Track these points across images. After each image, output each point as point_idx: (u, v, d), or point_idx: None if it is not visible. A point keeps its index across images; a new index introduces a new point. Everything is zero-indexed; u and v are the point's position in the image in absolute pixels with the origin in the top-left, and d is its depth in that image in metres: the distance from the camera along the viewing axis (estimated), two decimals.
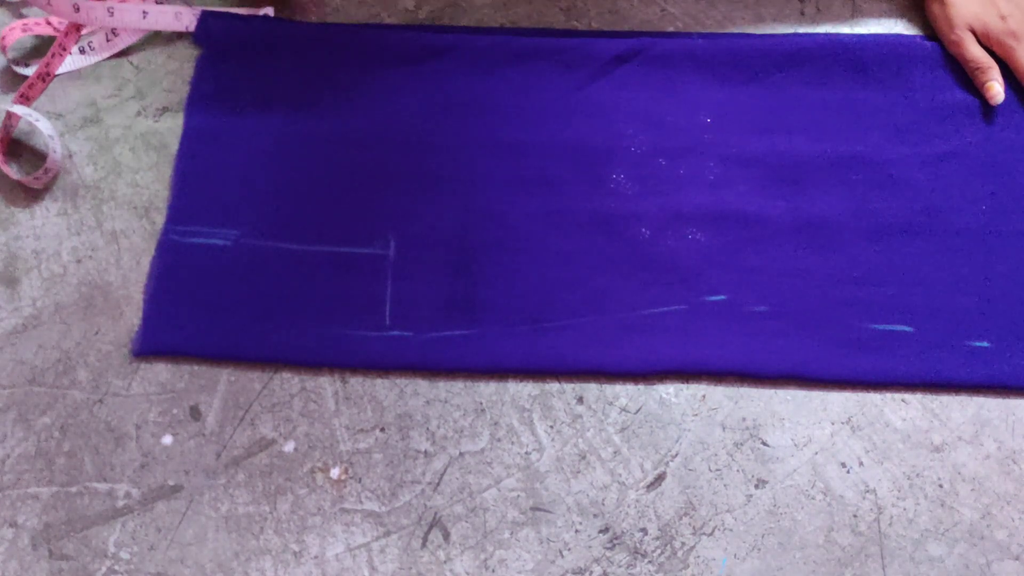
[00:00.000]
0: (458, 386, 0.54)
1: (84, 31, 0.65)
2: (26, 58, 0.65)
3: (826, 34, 0.63)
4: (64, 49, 0.63)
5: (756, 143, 0.59)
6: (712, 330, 0.54)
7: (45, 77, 0.63)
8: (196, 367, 0.54)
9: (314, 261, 0.56)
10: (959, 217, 0.57)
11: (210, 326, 0.54)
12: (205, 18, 0.64)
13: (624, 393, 0.53)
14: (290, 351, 0.54)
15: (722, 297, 0.55)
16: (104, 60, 0.65)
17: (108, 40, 0.65)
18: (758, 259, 0.56)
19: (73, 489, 0.51)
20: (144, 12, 0.64)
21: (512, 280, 0.55)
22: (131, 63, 0.65)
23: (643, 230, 0.57)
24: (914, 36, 0.62)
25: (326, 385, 0.54)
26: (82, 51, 0.65)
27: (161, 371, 0.54)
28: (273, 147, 0.60)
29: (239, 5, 0.66)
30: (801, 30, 0.64)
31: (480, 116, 0.60)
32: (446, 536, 0.49)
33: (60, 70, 0.64)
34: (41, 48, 0.65)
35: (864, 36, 0.62)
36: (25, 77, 0.63)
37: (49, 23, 0.65)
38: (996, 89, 0.59)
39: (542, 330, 0.54)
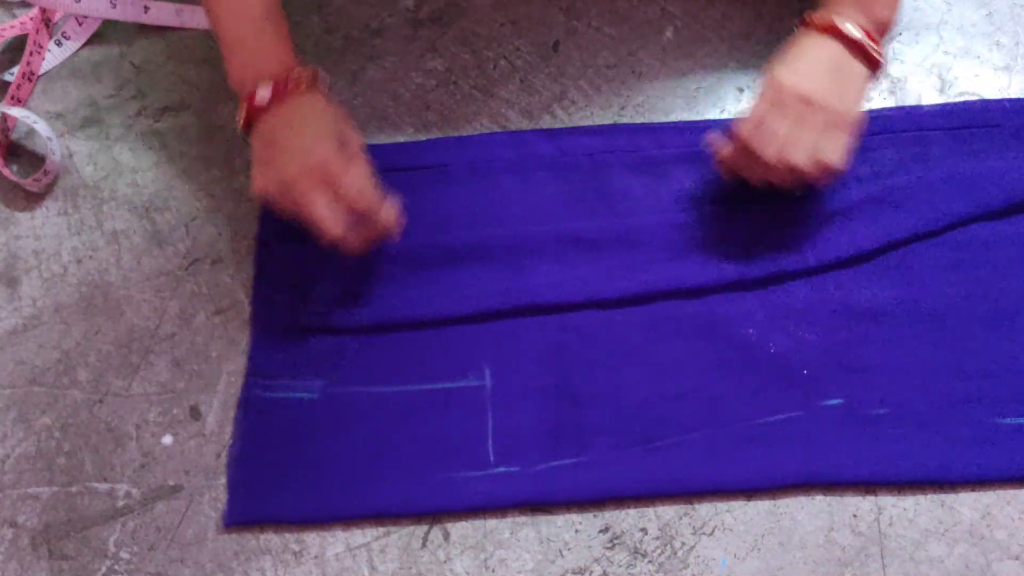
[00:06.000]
0: None
1: (54, 20, 0.64)
2: (7, 63, 0.65)
3: (915, 107, 0.59)
4: (40, 46, 0.63)
5: (860, 229, 0.55)
6: (832, 438, 0.50)
7: (31, 77, 0.63)
8: (196, 367, 0.54)
9: (407, 402, 0.52)
10: None
11: (304, 487, 0.50)
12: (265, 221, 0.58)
13: None
14: (392, 504, 0.50)
15: (839, 401, 0.51)
16: (102, 59, 0.65)
17: (80, 24, 0.65)
18: (873, 356, 0.52)
19: (73, 489, 0.51)
20: (146, 7, 0.64)
21: (617, 398, 0.51)
22: (131, 63, 0.65)
23: (749, 331, 0.53)
24: (1011, 100, 0.59)
25: None
26: (59, 44, 0.65)
27: (161, 371, 0.54)
28: (349, 289, 0.55)
29: None
30: (800, 31, 0.63)
31: (563, 227, 0.56)
32: (446, 536, 0.49)
33: (45, 66, 0.64)
34: (19, 50, 0.65)
35: (957, 105, 0.58)
36: (10, 83, 0.63)
37: (18, 24, 0.65)
38: None
39: (654, 449, 0.50)
